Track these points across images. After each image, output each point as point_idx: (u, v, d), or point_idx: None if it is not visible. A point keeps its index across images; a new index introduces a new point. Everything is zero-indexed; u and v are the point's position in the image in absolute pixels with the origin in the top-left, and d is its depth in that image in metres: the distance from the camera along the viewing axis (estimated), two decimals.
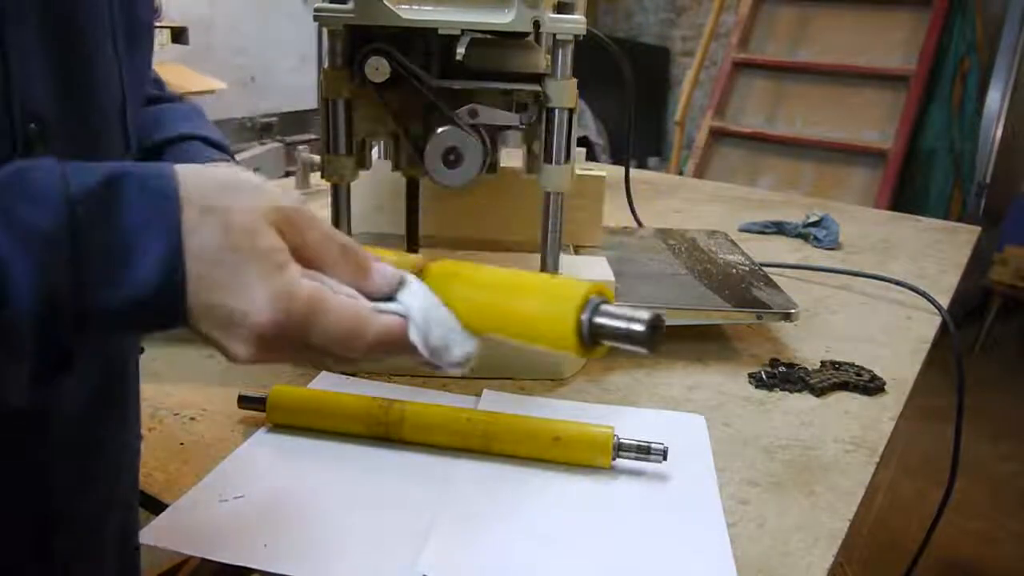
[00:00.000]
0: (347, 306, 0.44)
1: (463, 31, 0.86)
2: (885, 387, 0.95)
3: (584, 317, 0.44)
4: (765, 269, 1.17)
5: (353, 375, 0.90)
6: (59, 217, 0.38)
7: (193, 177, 0.42)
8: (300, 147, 1.71)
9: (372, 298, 0.46)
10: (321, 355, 0.45)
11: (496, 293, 0.48)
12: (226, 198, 0.42)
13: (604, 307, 0.44)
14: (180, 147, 0.69)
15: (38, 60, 0.46)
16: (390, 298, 0.46)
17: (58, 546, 0.54)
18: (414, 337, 0.46)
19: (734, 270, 1.15)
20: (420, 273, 0.49)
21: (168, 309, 0.41)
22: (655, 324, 0.43)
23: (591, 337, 0.44)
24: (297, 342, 0.44)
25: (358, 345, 0.45)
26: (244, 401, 0.81)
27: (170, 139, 0.69)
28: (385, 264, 0.47)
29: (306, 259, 0.44)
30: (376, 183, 1.05)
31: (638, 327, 0.43)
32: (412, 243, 0.99)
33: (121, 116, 0.54)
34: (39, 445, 0.51)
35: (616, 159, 3.74)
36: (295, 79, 3.54)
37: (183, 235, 0.40)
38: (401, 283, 0.47)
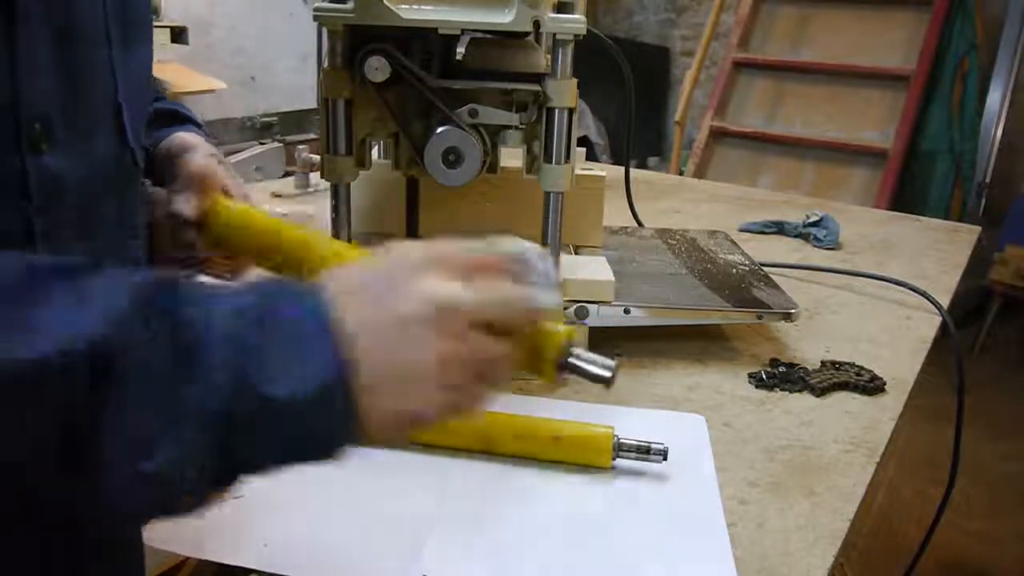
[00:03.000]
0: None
1: (463, 31, 0.86)
2: (885, 387, 0.95)
3: (561, 361, 0.52)
4: (765, 269, 1.17)
5: None
6: (238, 316, 0.39)
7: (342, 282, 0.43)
8: (300, 147, 1.71)
9: None
10: (499, 331, 0.45)
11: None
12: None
13: (576, 351, 0.52)
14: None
15: (41, 61, 0.46)
16: None
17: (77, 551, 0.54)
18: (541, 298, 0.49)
19: (734, 270, 1.15)
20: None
21: (342, 386, 0.40)
22: (614, 371, 0.53)
23: (562, 373, 0.53)
24: (475, 321, 0.43)
25: (510, 298, 0.45)
26: None
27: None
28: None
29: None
30: (376, 183, 1.05)
31: (606, 373, 0.53)
32: None
33: (115, 113, 0.54)
34: None
35: (616, 159, 3.74)
36: (295, 79, 3.54)
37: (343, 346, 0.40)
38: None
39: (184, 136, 0.76)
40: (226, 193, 0.74)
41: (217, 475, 0.40)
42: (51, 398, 0.36)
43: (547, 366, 0.52)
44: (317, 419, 0.40)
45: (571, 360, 0.52)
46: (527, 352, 0.51)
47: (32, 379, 0.35)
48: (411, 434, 0.43)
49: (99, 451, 0.37)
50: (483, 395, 0.46)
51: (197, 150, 0.74)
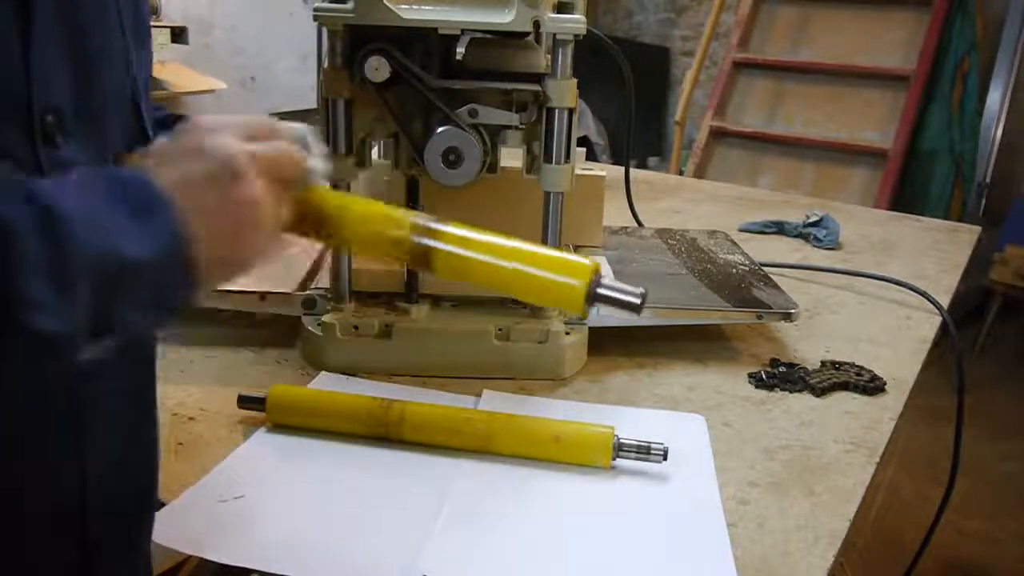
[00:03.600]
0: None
1: (463, 31, 0.86)
2: (885, 387, 0.95)
3: (591, 290, 0.57)
4: (765, 269, 1.17)
5: (353, 375, 0.90)
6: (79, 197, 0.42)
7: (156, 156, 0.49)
8: None
9: None
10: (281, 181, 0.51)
11: (516, 261, 0.58)
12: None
13: (603, 281, 0.57)
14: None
15: (55, 54, 0.46)
16: None
17: (95, 548, 0.54)
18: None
19: (734, 270, 1.15)
20: (434, 235, 0.57)
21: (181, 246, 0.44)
22: (644, 296, 0.58)
23: (591, 302, 0.58)
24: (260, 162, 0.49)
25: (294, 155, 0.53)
26: (244, 401, 0.81)
27: None
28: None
29: None
30: (376, 183, 1.05)
31: (634, 299, 0.57)
32: None
33: (133, 106, 0.55)
34: (77, 451, 0.52)
35: (616, 159, 3.74)
36: (295, 79, 3.54)
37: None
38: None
39: None
40: None
41: (94, 330, 0.42)
42: None
43: (576, 299, 0.56)
44: (169, 274, 0.45)
45: (600, 291, 0.56)
46: (556, 285, 0.57)
47: None
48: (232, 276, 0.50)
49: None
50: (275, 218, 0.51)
51: None
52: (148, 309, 0.45)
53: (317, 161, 0.56)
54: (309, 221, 0.56)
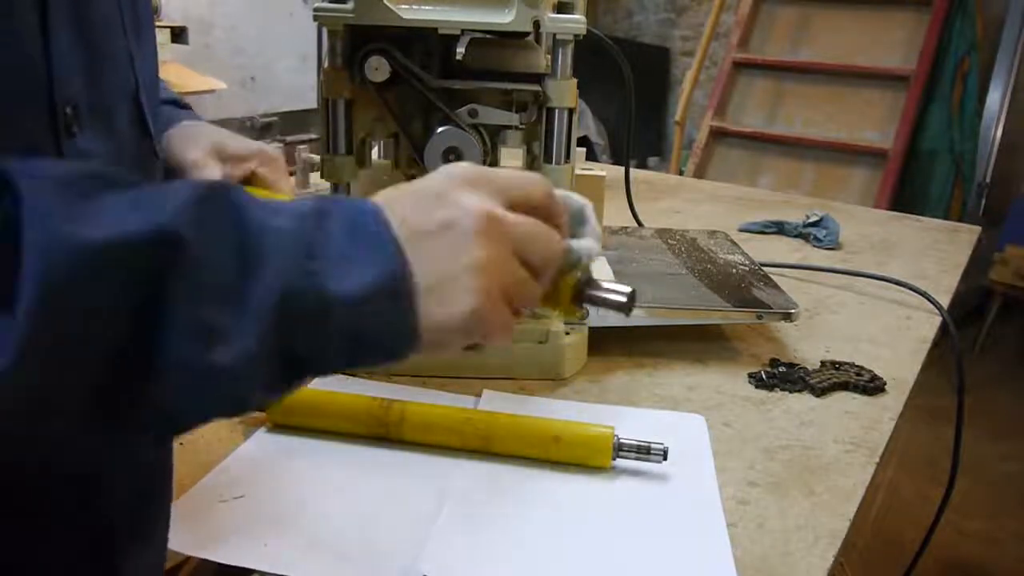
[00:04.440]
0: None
1: (463, 31, 0.86)
2: (885, 387, 0.95)
3: (578, 292, 0.53)
4: (765, 269, 1.17)
5: (353, 375, 0.90)
6: (294, 221, 0.40)
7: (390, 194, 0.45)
8: (300, 147, 1.71)
9: None
10: (529, 276, 0.46)
11: None
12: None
13: (593, 280, 0.53)
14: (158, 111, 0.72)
15: (70, 51, 0.47)
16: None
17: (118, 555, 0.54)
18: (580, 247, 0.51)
19: (734, 270, 1.15)
20: None
21: (399, 290, 0.41)
22: (632, 295, 0.54)
23: (579, 303, 0.54)
24: (516, 248, 0.44)
25: (553, 239, 0.47)
26: None
27: None
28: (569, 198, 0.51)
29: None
30: (376, 183, 1.05)
31: (621, 298, 0.53)
32: None
33: (135, 102, 0.55)
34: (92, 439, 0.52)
35: (616, 159, 3.74)
36: (295, 79, 3.54)
37: (395, 233, 0.42)
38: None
39: (194, 123, 0.78)
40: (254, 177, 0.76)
41: (283, 372, 0.40)
42: (116, 283, 0.35)
43: (564, 301, 0.53)
44: (377, 315, 0.40)
45: (589, 291, 0.53)
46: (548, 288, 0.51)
47: (99, 261, 0.35)
48: (452, 345, 0.44)
49: (166, 345, 0.37)
50: (511, 321, 0.46)
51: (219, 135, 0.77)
52: (345, 353, 0.41)
53: (587, 243, 0.51)
54: (552, 294, 0.53)
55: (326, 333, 0.40)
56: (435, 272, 0.42)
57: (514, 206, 0.46)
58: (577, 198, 0.53)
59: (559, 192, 0.50)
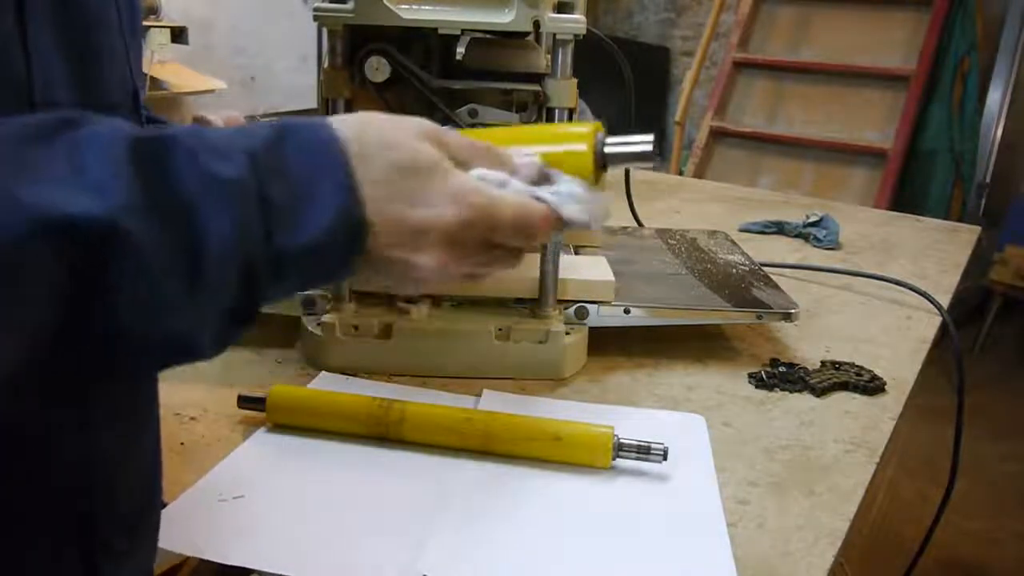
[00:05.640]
0: (514, 195, 0.49)
1: (463, 31, 0.86)
2: (885, 387, 0.95)
3: (598, 151, 0.55)
4: (765, 269, 1.17)
5: (353, 375, 0.90)
6: (243, 168, 0.40)
7: (344, 121, 0.46)
8: None
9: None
10: (499, 250, 0.49)
11: (517, 143, 0.56)
12: (375, 130, 0.46)
13: (608, 139, 0.55)
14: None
15: (53, 51, 0.46)
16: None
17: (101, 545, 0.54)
18: (572, 214, 0.51)
19: (734, 270, 1.15)
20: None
21: (353, 235, 0.43)
22: (655, 142, 0.55)
23: (603, 165, 0.55)
24: (481, 237, 0.47)
25: (532, 226, 0.49)
26: (244, 401, 0.81)
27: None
28: (525, 157, 0.53)
29: (458, 163, 0.49)
30: None
31: (646, 147, 0.55)
32: None
33: (134, 104, 0.55)
34: (81, 449, 0.52)
35: None
36: (295, 79, 3.53)
37: (352, 169, 0.43)
38: (540, 172, 0.54)
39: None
40: None
41: (238, 319, 0.42)
42: (51, 268, 0.35)
43: (589, 165, 0.54)
44: (331, 255, 0.43)
45: (608, 150, 0.54)
46: (563, 156, 0.54)
47: (30, 248, 0.34)
48: (411, 284, 0.48)
49: (111, 320, 0.37)
50: (482, 271, 0.49)
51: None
52: (296, 286, 0.43)
53: (564, 187, 0.52)
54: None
55: (281, 283, 0.42)
56: (402, 221, 0.44)
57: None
58: (529, 159, 0.53)
59: (555, 173, 0.52)
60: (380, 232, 0.44)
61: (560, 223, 0.51)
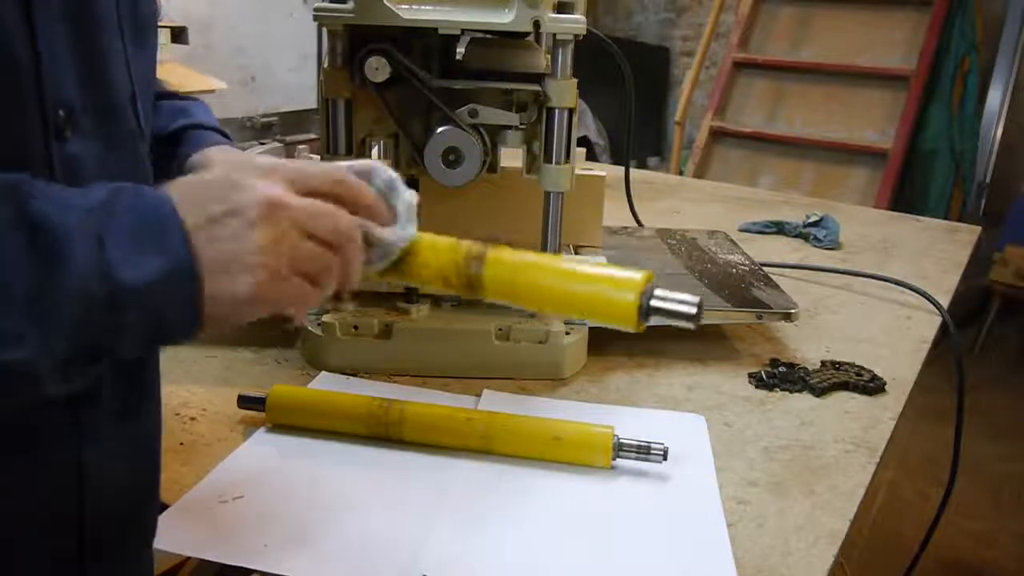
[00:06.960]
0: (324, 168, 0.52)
1: (463, 31, 0.86)
2: (885, 387, 0.95)
3: (644, 303, 0.54)
4: (765, 269, 1.17)
5: (353, 375, 0.90)
6: (82, 217, 0.42)
7: (183, 185, 0.47)
8: (300, 147, 1.71)
9: None
10: (313, 241, 0.49)
11: (563, 281, 0.57)
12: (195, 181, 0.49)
13: (656, 292, 0.54)
14: (186, 135, 0.72)
15: (63, 51, 0.47)
16: None
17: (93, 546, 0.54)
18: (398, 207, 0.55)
19: (734, 270, 1.15)
20: (481, 261, 0.57)
21: (184, 269, 0.44)
22: (700, 306, 0.54)
23: (646, 316, 0.55)
24: (298, 226, 0.48)
25: (346, 197, 0.51)
26: (244, 401, 0.81)
27: (175, 130, 0.72)
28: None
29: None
30: None
31: (691, 309, 0.54)
32: None
33: (132, 105, 0.55)
34: (75, 449, 0.52)
35: (616, 159, 3.74)
36: (295, 79, 3.53)
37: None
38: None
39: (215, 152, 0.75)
40: None
41: (78, 358, 0.42)
42: None
43: (629, 313, 0.54)
44: (167, 300, 0.43)
45: (654, 303, 0.54)
46: (607, 299, 0.54)
47: None
48: (245, 318, 0.48)
49: None
50: (307, 293, 0.49)
51: None
52: (142, 338, 0.44)
53: (388, 232, 0.54)
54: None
55: (122, 322, 0.42)
56: (220, 254, 0.45)
57: (307, 193, 0.50)
58: (385, 172, 0.55)
59: (369, 166, 0.55)
60: (195, 246, 0.44)
61: (373, 212, 0.53)
